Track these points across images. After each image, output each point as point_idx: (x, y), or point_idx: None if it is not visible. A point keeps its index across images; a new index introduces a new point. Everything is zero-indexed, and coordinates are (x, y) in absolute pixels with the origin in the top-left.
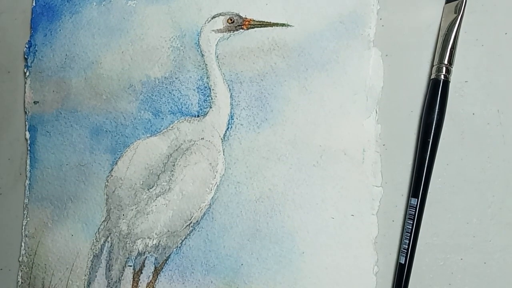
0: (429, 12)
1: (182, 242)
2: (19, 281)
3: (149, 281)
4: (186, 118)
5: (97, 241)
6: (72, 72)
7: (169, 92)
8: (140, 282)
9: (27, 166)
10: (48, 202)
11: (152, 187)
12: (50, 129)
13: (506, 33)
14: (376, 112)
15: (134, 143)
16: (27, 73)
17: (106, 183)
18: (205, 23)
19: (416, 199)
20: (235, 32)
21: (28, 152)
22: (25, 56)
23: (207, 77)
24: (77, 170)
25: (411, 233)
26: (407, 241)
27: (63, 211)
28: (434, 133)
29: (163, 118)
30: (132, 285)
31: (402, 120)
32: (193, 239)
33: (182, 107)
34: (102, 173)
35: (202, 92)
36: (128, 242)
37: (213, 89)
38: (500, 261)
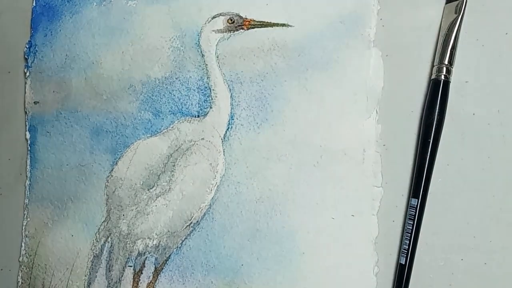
0: (429, 12)
1: (182, 242)
2: (19, 281)
3: (149, 281)
4: (186, 118)
5: (97, 241)
6: (72, 72)
7: (169, 92)
8: (140, 283)
9: (27, 166)
10: (48, 202)
11: (152, 187)
12: (50, 129)
13: (506, 33)
14: (377, 112)
15: (134, 143)
16: (27, 73)
17: (106, 183)
18: (205, 23)
19: (417, 199)
20: (235, 32)
21: (28, 152)
22: (25, 56)
23: (207, 77)
24: (77, 170)
25: (411, 234)
26: (408, 242)
27: (63, 211)
28: (434, 133)
29: (163, 118)
30: (132, 285)
31: (402, 120)
32: (193, 239)
33: (182, 107)
34: (102, 173)
35: (202, 92)
36: (128, 242)
37: (213, 89)
38: (500, 261)
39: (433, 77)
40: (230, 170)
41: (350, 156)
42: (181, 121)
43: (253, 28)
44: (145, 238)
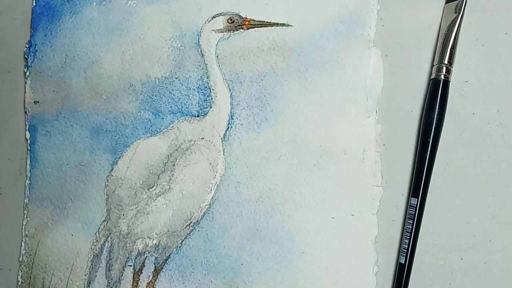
0: (429, 12)
1: (182, 242)
2: (19, 280)
3: (149, 281)
4: (186, 118)
5: (97, 241)
6: (72, 72)
7: (169, 92)
8: (140, 282)
9: (27, 166)
10: (48, 202)
11: (152, 187)
12: (50, 129)
13: (506, 33)
14: (376, 112)
15: (134, 143)
16: (27, 73)
17: (106, 183)
18: (205, 23)
19: (416, 199)
20: (235, 32)
21: (28, 152)
22: (25, 56)
23: (207, 77)
24: (77, 170)
25: (411, 233)
26: (407, 241)
27: (63, 211)
28: (434, 133)
29: (163, 118)
30: (132, 285)
31: (402, 120)
32: (193, 239)
33: (182, 107)
34: (102, 173)
35: (202, 92)
36: (128, 242)
37: (213, 89)
38: (500, 261)
39: (432, 76)
40: (230, 169)
41: (350, 156)
42: (181, 120)
43: (253, 27)
44: (145, 238)
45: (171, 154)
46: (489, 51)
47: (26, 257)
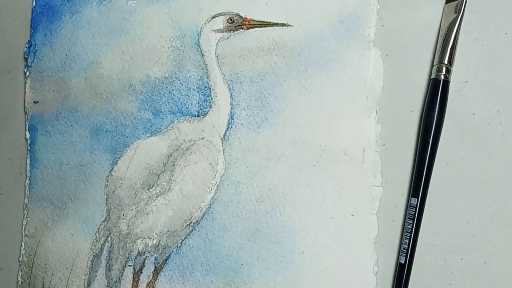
0: (429, 12)
1: (182, 242)
2: (19, 281)
3: (149, 281)
4: (186, 118)
5: (97, 241)
6: (72, 72)
7: (169, 92)
8: (140, 282)
9: (27, 166)
10: (48, 202)
11: (152, 187)
12: (50, 129)
13: (506, 33)
14: (376, 112)
15: (134, 143)
16: (27, 73)
17: (106, 183)
18: (205, 23)
19: (416, 199)
20: (235, 32)
21: (28, 152)
22: (25, 56)
23: (207, 77)
24: (77, 170)
25: (411, 233)
26: (407, 241)
27: (63, 211)
28: (434, 133)
29: (163, 118)
30: (132, 285)
31: (402, 120)
32: (193, 239)
33: (182, 107)
34: (102, 173)
35: (202, 92)
36: (128, 242)
37: (213, 89)
38: (500, 261)
39: (432, 76)
40: (230, 169)
41: (350, 156)
42: (181, 120)
43: (252, 27)
44: (145, 238)
45: (171, 154)
46: (489, 51)
47: (26, 257)
